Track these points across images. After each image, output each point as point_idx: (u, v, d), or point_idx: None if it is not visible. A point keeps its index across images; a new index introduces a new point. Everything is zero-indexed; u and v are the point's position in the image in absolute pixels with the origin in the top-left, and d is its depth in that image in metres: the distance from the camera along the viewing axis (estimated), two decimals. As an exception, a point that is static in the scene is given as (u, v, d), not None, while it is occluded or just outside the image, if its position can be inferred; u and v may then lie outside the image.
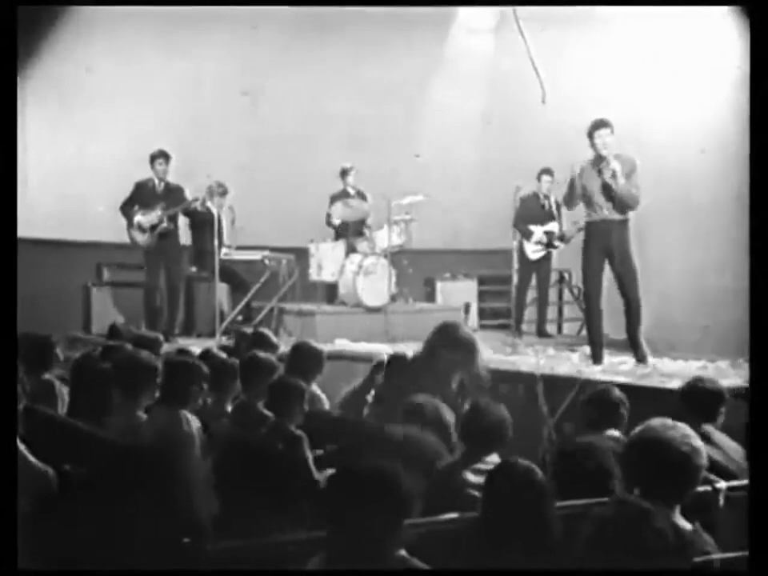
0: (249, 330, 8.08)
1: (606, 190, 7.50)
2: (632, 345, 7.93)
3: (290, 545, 3.45)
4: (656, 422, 3.42)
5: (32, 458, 4.03)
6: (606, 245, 7.62)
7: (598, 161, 7.51)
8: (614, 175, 7.41)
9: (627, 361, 7.94)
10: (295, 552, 3.20)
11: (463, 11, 11.24)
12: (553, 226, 10.18)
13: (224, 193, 9.77)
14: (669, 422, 3.41)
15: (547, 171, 10.11)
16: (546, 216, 10.20)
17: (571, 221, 9.85)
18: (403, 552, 2.98)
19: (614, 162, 7.40)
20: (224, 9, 9.99)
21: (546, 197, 10.22)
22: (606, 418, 4.77)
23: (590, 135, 7.50)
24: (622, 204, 7.55)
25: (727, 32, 9.04)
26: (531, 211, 10.07)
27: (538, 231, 10.09)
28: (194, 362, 5.27)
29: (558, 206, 10.16)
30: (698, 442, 3.36)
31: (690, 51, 9.48)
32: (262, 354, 5.91)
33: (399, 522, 2.98)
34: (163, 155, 9.42)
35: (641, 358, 7.85)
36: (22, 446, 3.98)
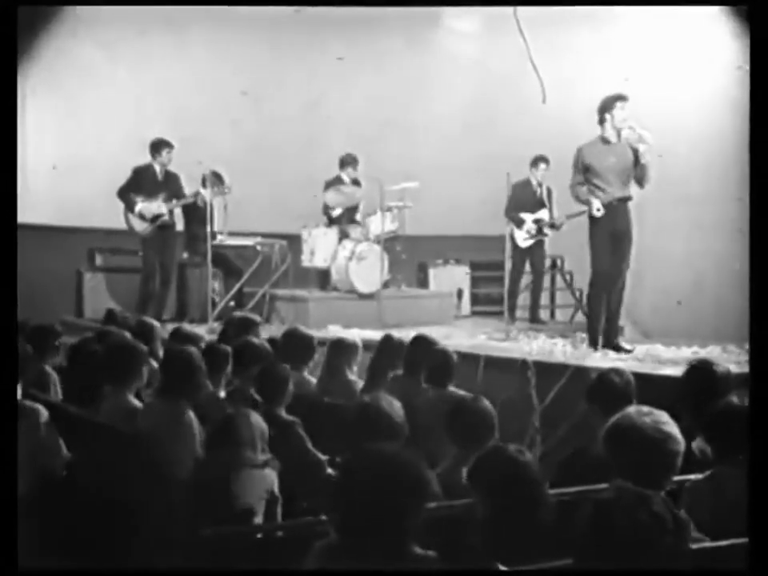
0: (238, 314, 8.05)
1: (640, 166, 7.23)
2: (609, 328, 7.66)
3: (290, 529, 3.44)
4: (631, 409, 3.42)
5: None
6: (614, 226, 7.38)
7: (616, 137, 7.22)
8: (646, 143, 7.15)
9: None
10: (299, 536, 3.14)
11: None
12: (543, 214, 10.09)
13: (222, 191, 9.60)
14: (644, 408, 3.41)
15: (543, 159, 9.97)
16: (536, 204, 10.10)
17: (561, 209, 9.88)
18: (418, 549, 2.73)
19: (642, 132, 7.13)
20: (223, 9, 9.99)
21: (540, 184, 10.12)
22: None
23: (609, 109, 7.19)
24: (646, 178, 7.32)
25: (728, 32, 9.05)
26: (522, 198, 9.98)
27: (528, 219, 10.02)
28: (195, 353, 5.19)
29: (550, 194, 10.11)
30: (672, 428, 3.35)
31: (691, 50, 9.48)
32: (255, 340, 5.92)
33: (418, 510, 2.73)
34: (168, 144, 9.45)
35: (612, 345, 7.59)
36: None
